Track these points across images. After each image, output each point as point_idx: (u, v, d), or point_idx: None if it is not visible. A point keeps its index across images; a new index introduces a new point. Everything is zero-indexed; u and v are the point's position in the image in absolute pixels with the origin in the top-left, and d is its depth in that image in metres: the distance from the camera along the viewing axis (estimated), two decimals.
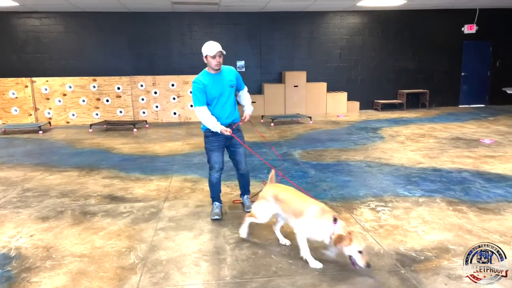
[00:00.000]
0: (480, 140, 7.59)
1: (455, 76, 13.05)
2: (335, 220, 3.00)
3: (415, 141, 7.77)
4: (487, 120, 10.09)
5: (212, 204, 4.28)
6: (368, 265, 2.89)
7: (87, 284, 2.94)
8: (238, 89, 4.20)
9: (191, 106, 10.96)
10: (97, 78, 10.83)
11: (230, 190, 4.94)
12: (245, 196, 4.41)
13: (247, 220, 3.61)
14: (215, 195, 4.26)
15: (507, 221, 3.87)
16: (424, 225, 3.84)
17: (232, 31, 11.94)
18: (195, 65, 11.39)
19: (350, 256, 2.93)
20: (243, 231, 3.62)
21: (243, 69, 12.11)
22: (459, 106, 13.16)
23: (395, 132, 8.80)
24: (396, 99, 12.81)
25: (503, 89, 11.82)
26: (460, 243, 3.42)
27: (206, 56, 3.86)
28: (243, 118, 4.14)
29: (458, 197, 4.58)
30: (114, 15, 11.39)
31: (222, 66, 3.99)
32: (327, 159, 6.50)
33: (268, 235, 3.70)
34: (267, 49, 12.20)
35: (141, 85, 10.91)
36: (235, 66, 11.95)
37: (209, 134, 4.05)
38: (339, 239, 2.91)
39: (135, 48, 11.72)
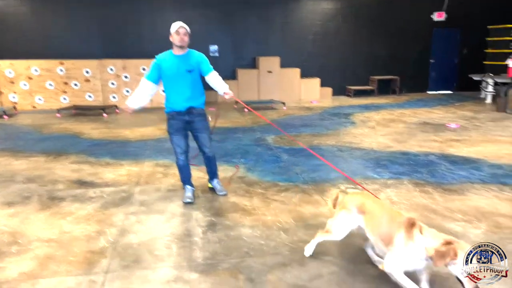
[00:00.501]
0: (447, 125, 7.83)
1: (424, 63, 13.35)
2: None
3: (385, 126, 7.94)
4: (454, 106, 10.41)
5: (184, 187, 4.26)
6: None
7: (55, 269, 2.89)
8: (203, 73, 4.03)
9: (163, 91, 10.76)
10: (65, 61, 10.47)
11: (203, 174, 4.90)
12: (215, 180, 4.42)
13: (318, 237, 2.96)
14: (185, 179, 4.24)
15: (470, 201, 4.04)
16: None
17: (204, 15, 11.73)
18: (166, 48, 11.09)
19: (457, 277, 2.25)
20: (309, 249, 3.01)
21: (216, 54, 11.96)
22: (428, 92, 13.51)
23: (366, 117, 8.96)
24: (368, 86, 13.01)
25: (470, 75, 12.18)
26: (426, 222, 3.50)
27: (172, 35, 3.87)
28: (224, 95, 4.02)
29: (424, 179, 4.73)
30: None
31: (193, 51, 3.97)
32: (300, 144, 6.55)
33: (240, 218, 3.72)
34: (241, 34, 12.09)
35: (111, 69, 10.62)
36: (208, 50, 11.80)
37: (170, 117, 4.04)
38: (441, 257, 2.22)
39: (104, 31, 11.35)
